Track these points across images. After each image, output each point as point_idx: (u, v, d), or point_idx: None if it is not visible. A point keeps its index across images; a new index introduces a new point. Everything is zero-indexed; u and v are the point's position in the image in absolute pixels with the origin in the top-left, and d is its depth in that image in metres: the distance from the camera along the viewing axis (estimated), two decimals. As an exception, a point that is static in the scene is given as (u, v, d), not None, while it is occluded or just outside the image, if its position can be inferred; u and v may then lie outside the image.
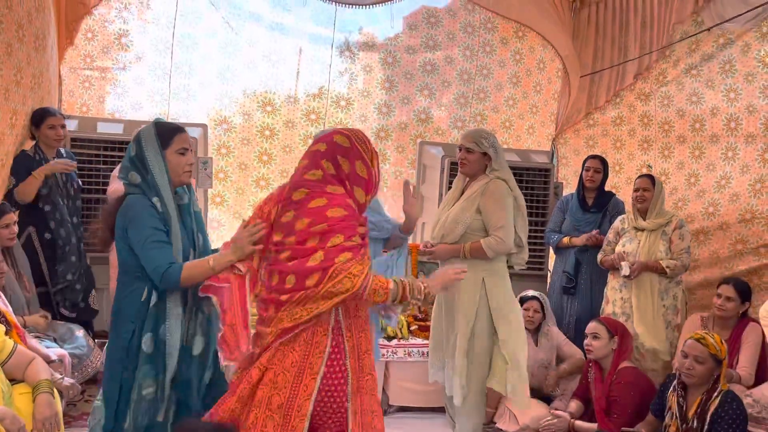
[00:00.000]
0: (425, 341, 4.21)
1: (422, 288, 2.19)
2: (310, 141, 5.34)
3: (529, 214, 4.68)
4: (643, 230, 4.01)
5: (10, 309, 3.16)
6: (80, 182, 4.12)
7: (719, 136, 4.68)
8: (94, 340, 3.81)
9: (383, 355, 4.04)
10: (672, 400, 3.11)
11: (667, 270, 3.88)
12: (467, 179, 3.53)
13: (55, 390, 2.56)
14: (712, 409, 2.95)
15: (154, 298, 2.31)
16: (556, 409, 3.70)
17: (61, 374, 2.97)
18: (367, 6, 5.32)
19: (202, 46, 5.20)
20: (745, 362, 3.53)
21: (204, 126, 4.80)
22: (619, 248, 4.05)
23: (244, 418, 2.17)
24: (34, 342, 3.13)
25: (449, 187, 3.78)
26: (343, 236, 2.10)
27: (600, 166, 4.45)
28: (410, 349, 4.15)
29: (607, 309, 4.06)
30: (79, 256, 3.95)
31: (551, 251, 4.85)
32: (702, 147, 4.80)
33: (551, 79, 5.73)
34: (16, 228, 3.52)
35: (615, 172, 5.21)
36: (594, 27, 5.47)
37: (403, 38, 5.58)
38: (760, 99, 4.41)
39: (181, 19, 5.08)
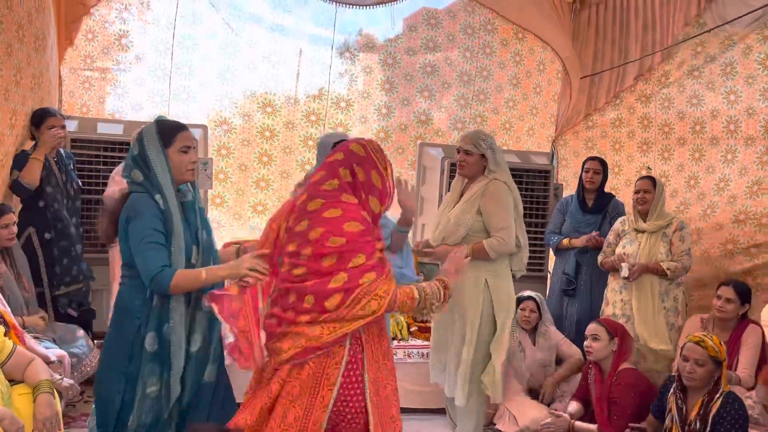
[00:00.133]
0: (425, 342, 4.21)
1: (442, 290, 2.22)
2: (311, 142, 5.43)
3: (529, 216, 4.71)
4: (643, 232, 4.01)
5: (9, 310, 3.16)
6: (80, 183, 4.11)
7: (719, 139, 4.67)
8: (93, 340, 3.80)
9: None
10: (672, 402, 3.11)
11: (668, 272, 3.88)
12: (466, 181, 3.53)
13: (55, 390, 2.55)
14: (714, 410, 2.94)
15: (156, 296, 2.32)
16: (556, 410, 3.70)
17: (61, 375, 2.97)
18: (368, 7, 5.32)
19: (202, 47, 5.20)
20: (745, 364, 3.53)
21: (204, 127, 4.79)
22: (619, 250, 4.05)
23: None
24: (32, 343, 3.12)
25: (449, 189, 3.79)
26: (365, 255, 2.10)
27: (599, 167, 4.45)
28: (410, 351, 4.15)
29: (607, 310, 4.06)
30: (79, 257, 3.94)
31: (551, 253, 4.85)
32: (702, 149, 4.79)
33: (551, 80, 5.73)
34: (15, 228, 3.52)
35: (614, 174, 5.21)
36: (594, 28, 5.47)
37: (403, 39, 5.58)
38: (760, 101, 4.40)
39: (182, 19, 5.08)
